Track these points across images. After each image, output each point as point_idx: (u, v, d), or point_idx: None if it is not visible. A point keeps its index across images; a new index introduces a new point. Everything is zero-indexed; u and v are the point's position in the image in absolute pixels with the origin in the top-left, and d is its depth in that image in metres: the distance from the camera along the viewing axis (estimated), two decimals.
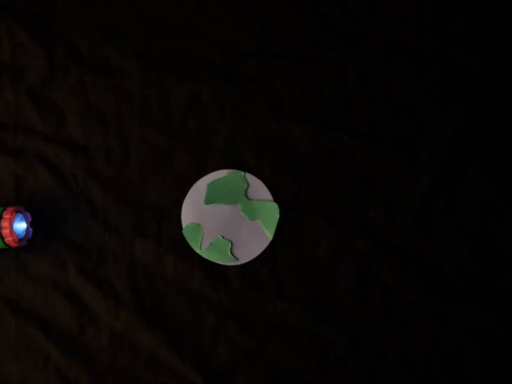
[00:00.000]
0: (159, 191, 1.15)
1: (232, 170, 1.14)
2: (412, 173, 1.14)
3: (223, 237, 1.13)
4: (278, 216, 1.12)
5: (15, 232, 1.08)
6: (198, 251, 1.13)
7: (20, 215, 1.11)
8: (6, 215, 1.07)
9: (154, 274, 1.13)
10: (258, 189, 1.14)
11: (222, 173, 1.15)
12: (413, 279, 1.12)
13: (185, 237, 1.14)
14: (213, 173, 1.15)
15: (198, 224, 1.13)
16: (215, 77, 1.17)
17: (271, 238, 1.12)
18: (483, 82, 1.16)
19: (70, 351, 1.12)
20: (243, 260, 1.14)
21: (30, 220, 1.12)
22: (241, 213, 1.13)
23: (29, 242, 1.12)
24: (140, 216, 1.14)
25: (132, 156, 1.15)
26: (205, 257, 1.13)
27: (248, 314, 1.12)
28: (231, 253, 1.13)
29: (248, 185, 1.13)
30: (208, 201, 1.14)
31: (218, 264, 1.13)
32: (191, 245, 1.13)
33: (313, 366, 1.11)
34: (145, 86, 1.16)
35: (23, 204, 1.14)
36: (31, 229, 1.12)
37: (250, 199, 1.13)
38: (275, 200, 1.14)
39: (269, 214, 1.12)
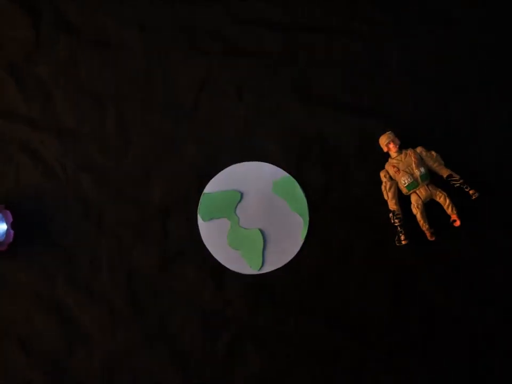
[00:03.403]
0: (164, 187, 1.12)
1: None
2: (461, 165, 1.10)
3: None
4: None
5: None
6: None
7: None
8: None
9: (157, 285, 1.10)
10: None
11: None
12: (461, 294, 1.08)
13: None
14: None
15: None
16: (230, 51, 1.14)
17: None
18: None
19: (56, 376, 1.09)
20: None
21: (11, 220, 1.11)
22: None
23: (10, 247, 1.10)
24: (141, 215, 1.12)
25: (132, 145, 1.13)
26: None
27: (268, 332, 1.09)
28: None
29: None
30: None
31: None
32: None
33: None
34: (148, 62, 1.14)
35: (2, 202, 1.12)
36: (12, 231, 1.10)
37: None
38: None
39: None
